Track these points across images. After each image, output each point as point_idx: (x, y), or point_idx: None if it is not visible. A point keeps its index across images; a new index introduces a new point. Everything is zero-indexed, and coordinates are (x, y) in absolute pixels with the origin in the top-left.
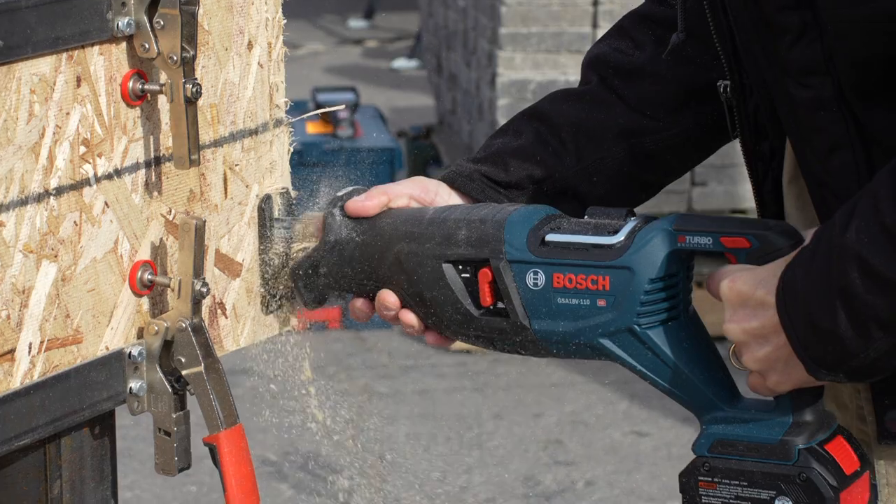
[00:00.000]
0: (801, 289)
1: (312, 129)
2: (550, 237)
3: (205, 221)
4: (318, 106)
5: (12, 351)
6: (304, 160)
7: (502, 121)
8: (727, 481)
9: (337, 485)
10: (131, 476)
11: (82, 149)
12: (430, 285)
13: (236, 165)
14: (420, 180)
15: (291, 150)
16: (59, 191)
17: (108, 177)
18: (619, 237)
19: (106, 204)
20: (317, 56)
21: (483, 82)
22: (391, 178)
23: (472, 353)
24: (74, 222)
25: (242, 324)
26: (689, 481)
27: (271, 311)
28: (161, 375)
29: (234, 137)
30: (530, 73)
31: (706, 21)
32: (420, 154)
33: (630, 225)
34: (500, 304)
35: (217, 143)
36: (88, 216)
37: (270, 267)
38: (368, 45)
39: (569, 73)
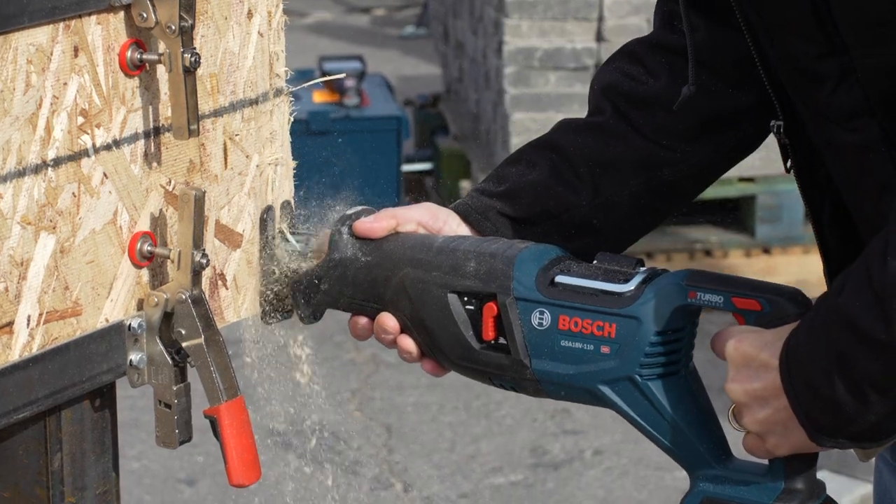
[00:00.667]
0: (802, 355)
1: (319, 98)
2: (560, 279)
3: (205, 192)
4: (325, 75)
5: (11, 323)
6: (311, 129)
7: (509, 89)
8: None
9: (344, 455)
10: (138, 446)
11: (80, 119)
12: (432, 313)
13: (236, 135)
14: (430, 207)
15: (292, 119)
16: (57, 162)
17: (107, 147)
18: (630, 286)
19: (105, 175)
20: (324, 24)
21: (490, 50)
22: (398, 147)
23: None
24: (73, 193)
25: (243, 295)
26: None
27: (269, 323)
28: (161, 347)
29: (233, 107)
30: (537, 41)
31: (718, 53)
32: (427, 123)
33: (641, 275)
34: (501, 340)
35: (217, 114)
36: (87, 187)
37: (269, 278)
38: (376, 13)
39: (575, 40)
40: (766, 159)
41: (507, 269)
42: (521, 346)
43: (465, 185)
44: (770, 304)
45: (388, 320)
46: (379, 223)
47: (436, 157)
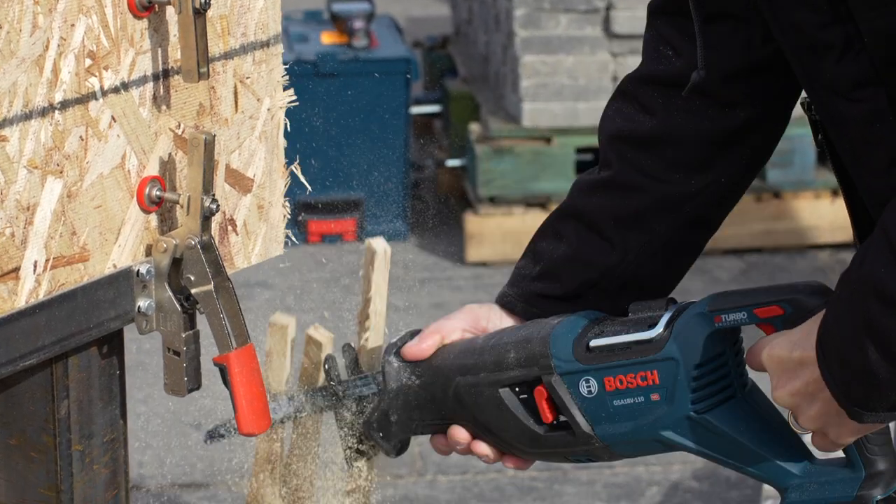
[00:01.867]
0: (833, 336)
1: (327, 39)
2: (594, 342)
3: (214, 136)
4: (333, 16)
5: (17, 269)
6: (319, 71)
7: (519, 31)
8: None
9: None
10: (145, 390)
11: (88, 61)
12: (491, 413)
13: (247, 78)
14: (471, 310)
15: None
16: (65, 105)
17: (115, 90)
18: (658, 329)
19: (113, 118)
20: None
21: None
22: (407, 89)
23: (488, 266)
24: (80, 137)
25: (253, 240)
26: None
27: (356, 464)
28: (170, 294)
29: (244, 50)
30: None
31: (707, 74)
32: (436, 65)
33: (668, 315)
34: (561, 418)
35: (227, 56)
36: (95, 131)
37: (346, 425)
38: None
39: None
40: None
41: (544, 349)
42: (580, 417)
43: (474, 128)
44: (791, 305)
45: (458, 433)
46: (424, 343)
47: (444, 99)
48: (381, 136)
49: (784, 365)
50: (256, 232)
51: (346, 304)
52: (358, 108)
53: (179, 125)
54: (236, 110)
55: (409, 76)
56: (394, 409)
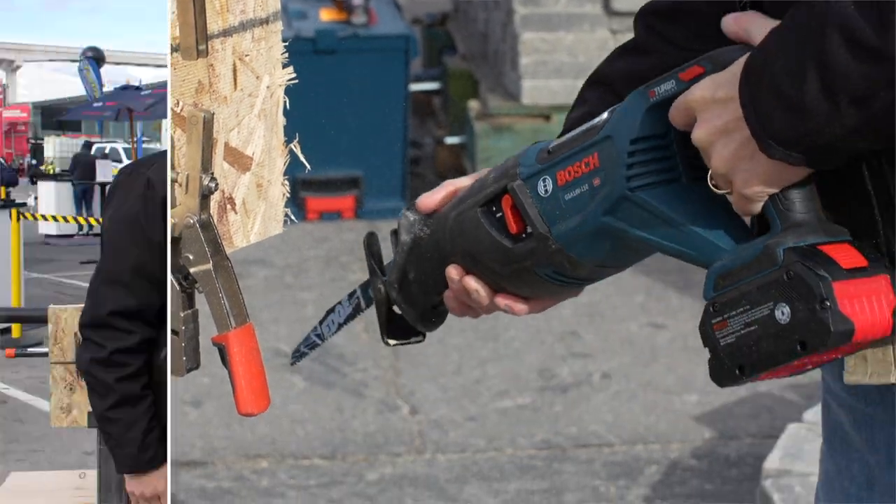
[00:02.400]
0: (768, 60)
1: (326, 16)
2: (553, 144)
3: (213, 114)
4: None
5: None
6: (318, 48)
7: (519, 9)
8: (733, 312)
9: (351, 377)
10: None
11: None
12: (472, 236)
13: (246, 56)
14: (485, 169)
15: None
16: None
17: None
18: (604, 115)
19: None
20: None
21: None
22: (406, 66)
23: None
24: None
25: (252, 219)
26: (705, 329)
27: (392, 342)
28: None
29: (243, 27)
30: None
31: None
32: (435, 41)
33: (617, 104)
34: (528, 230)
35: (226, 33)
36: None
37: (382, 299)
38: None
39: None
40: None
41: (515, 160)
42: (539, 220)
43: (474, 105)
44: (711, 62)
45: (451, 270)
46: (437, 194)
47: (444, 76)
48: (380, 113)
49: (707, 105)
50: (255, 210)
51: (344, 280)
52: (357, 85)
53: (178, 103)
54: (235, 88)
55: (408, 53)
56: (410, 265)
